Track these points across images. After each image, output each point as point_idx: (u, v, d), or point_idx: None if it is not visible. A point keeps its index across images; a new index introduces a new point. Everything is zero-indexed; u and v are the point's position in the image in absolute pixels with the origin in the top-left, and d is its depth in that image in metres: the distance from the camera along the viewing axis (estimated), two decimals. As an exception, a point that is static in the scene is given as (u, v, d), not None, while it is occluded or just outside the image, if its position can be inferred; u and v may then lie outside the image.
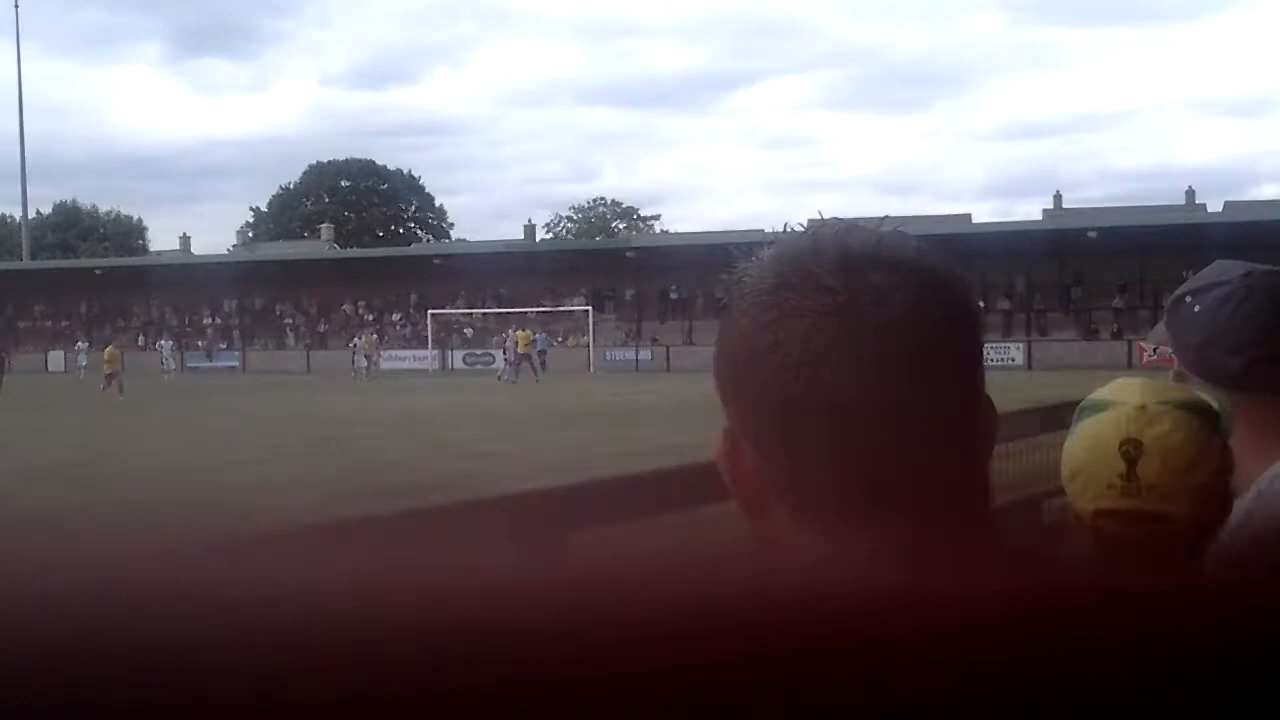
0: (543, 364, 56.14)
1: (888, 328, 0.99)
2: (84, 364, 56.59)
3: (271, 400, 37.21)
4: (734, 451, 1.07)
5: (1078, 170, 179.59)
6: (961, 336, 1.04)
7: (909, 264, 1.02)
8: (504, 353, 53.13)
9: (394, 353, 64.08)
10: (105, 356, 43.90)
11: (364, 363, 55.68)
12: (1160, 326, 2.45)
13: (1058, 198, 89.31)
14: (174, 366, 54.08)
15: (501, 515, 3.36)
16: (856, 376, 0.98)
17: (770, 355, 1.01)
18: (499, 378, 48.93)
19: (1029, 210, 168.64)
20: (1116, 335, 55.44)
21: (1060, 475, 2.06)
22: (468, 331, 65.83)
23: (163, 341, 59.88)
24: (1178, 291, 2.41)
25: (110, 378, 41.73)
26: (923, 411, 1.00)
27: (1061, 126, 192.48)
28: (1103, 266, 57.11)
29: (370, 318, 68.88)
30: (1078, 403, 2.11)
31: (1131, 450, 1.94)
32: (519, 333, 53.95)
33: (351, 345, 59.00)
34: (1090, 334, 56.53)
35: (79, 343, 62.19)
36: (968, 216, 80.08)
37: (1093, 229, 57.44)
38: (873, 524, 1.00)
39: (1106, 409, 1.99)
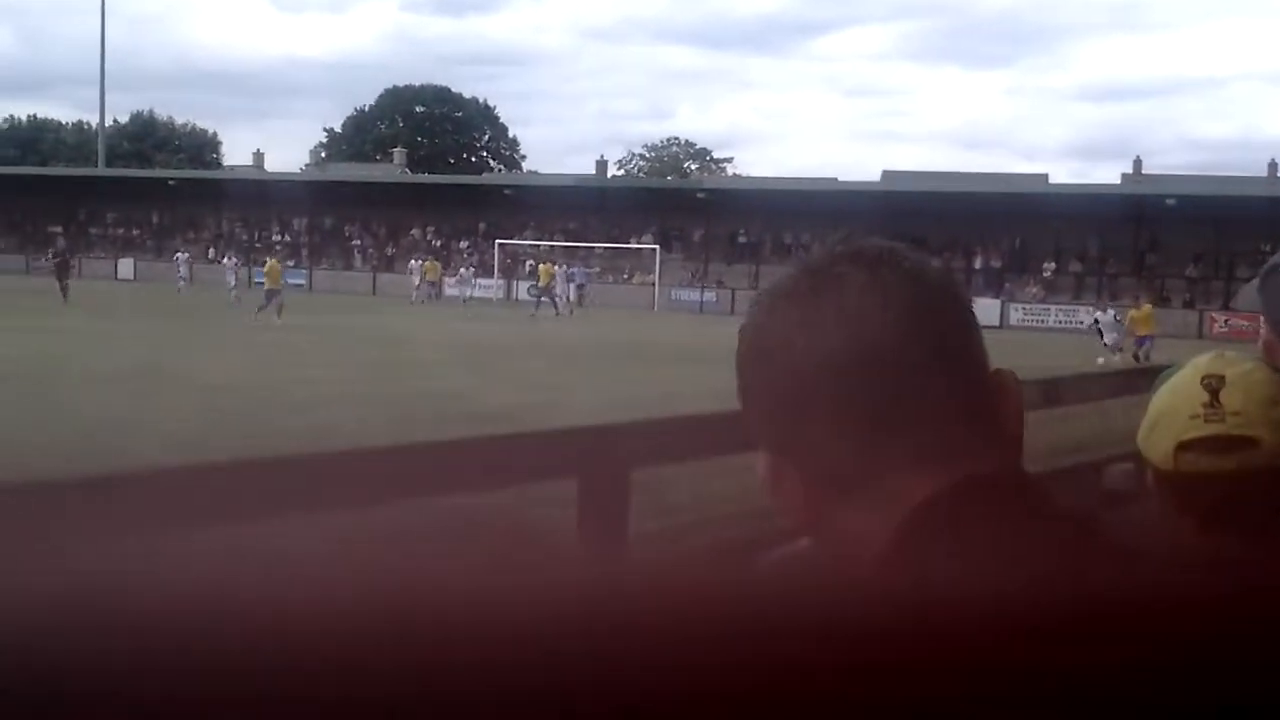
0: (580, 299, 55.95)
1: (880, 298, 1.04)
2: (185, 275, 56.24)
3: (337, 320, 37.37)
4: (776, 474, 1.09)
5: (1160, 136, 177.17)
6: (955, 307, 1.08)
7: (884, 247, 1.09)
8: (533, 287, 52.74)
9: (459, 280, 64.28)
10: (266, 270, 39.22)
11: (428, 289, 55.29)
12: (1251, 290, 2.45)
13: (1137, 162, 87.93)
14: (235, 284, 53.70)
15: (565, 449, 3.29)
16: (849, 347, 1.03)
17: (768, 355, 1.08)
18: (556, 314, 48.42)
19: (1107, 174, 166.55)
20: (1188, 304, 54.74)
21: (1129, 441, 2.08)
22: (528, 264, 65.76)
23: (226, 259, 59.50)
24: (1272, 261, 2.41)
25: (271, 295, 37.12)
26: (922, 374, 1.04)
27: (1146, 90, 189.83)
28: (1179, 234, 56.32)
29: (438, 244, 69.00)
30: (1146, 369, 2.10)
31: (1214, 383, 1.92)
32: (542, 266, 53.34)
33: (410, 267, 58.62)
34: (1162, 302, 55.75)
35: (179, 253, 61.42)
36: (1045, 176, 79.20)
37: (1171, 196, 56.61)
38: (893, 490, 1.03)
39: (1184, 367, 2.00)
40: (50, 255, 51.46)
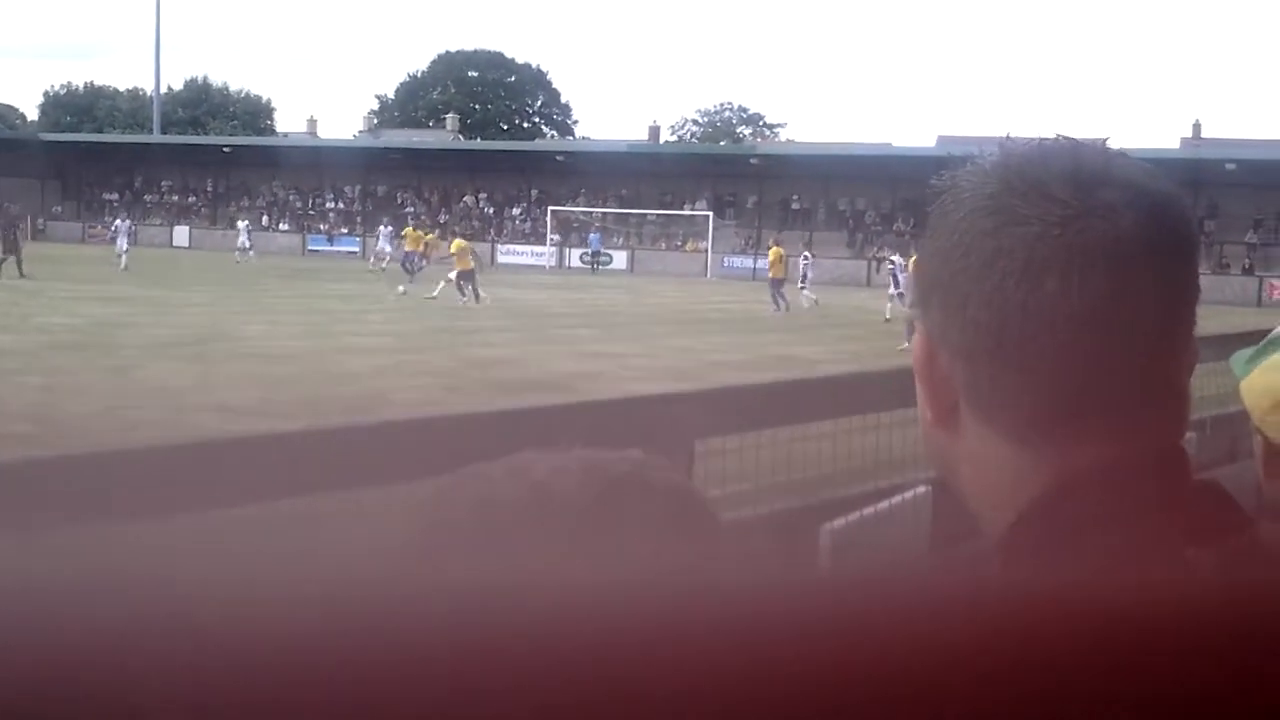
0: (595, 265, 54.87)
1: (1116, 244, 0.97)
2: (248, 245, 52.59)
3: (389, 287, 37.40)
4: (931, 357, 1.05)
5: (1219, 100, 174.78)
6: (1185, 262, 1.02)
7: (1140, 184, 1.00)
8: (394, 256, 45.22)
9: (512, 248, 64.28)
10: (453, 249, 33.18)
11: (388, 249, 47.22)
12: None
13: (1197, 126, 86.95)
14: (249, 245, 52.27)
15: (629, 418, 3.22)
16: (1081, 290, 0.96)
17: (991, 262, 0.99)
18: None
19: (1165, 138, 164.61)
20: (1247, 271, 54.05)
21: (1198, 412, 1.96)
22: (576, 231, 65.65)
23: (241, 222, 57.81)
24: None
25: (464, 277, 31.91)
26: (1142, 334, 0.99)
27: (1207, 53, 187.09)
28: (1238, 200, 55.59)
29: (490, 210, 69.03)
30: (1211, 337, 1.96)
31: None
32: (457, 242, 36.42)
33: (379, 231, 50.75)
34: (1221, 268, 55.10)
35: (240, 221, 58.68)
36: (1103, 140, 78.21)
37: (1231, 160, 55.86)
38: (1072, 446, 1.00)
39: None
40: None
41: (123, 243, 45.47)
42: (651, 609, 0.48)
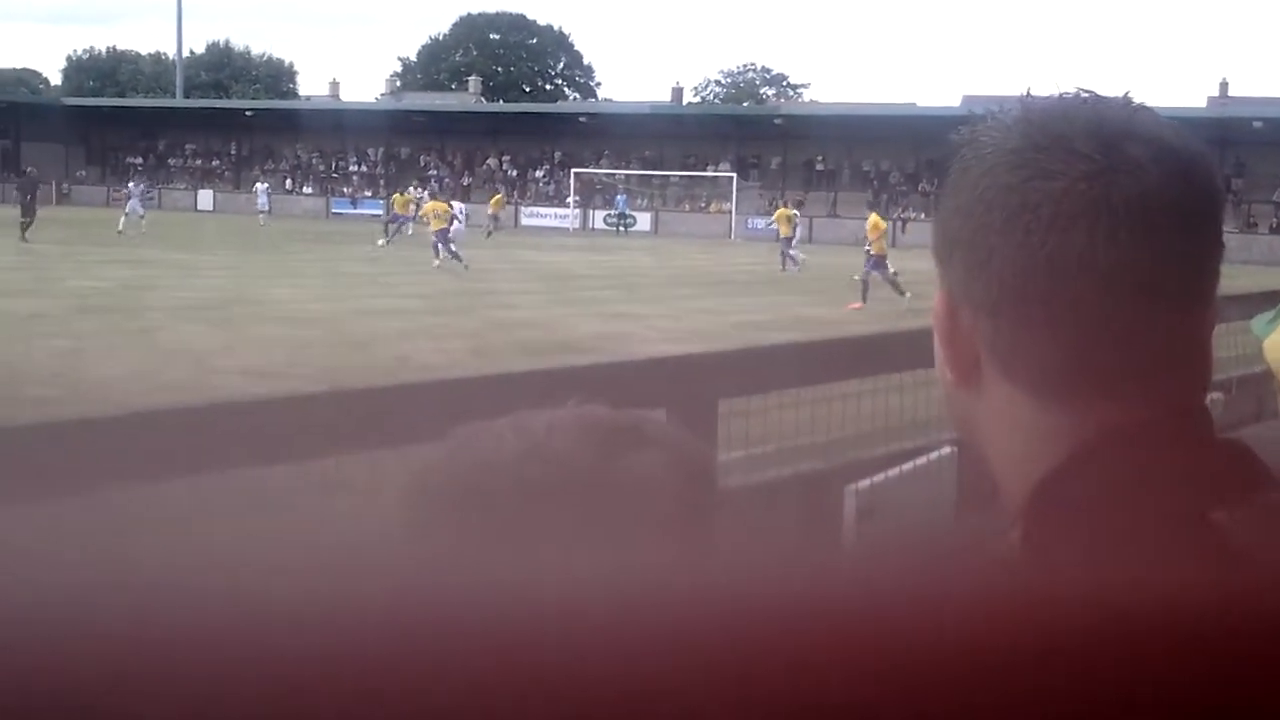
0: (622, 226, 54.75)
1: (1143, 200, 0.96)
2: (267, 207, 53.72)
3: (412, 250, 37.41)
4: (952, 314, 1.04)
5: (1247, 58, 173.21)
6: (1211, 220, 1.01)
7: (1164, 140, 0.99)
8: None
9: (535, 210, 64.23)
10: (424, 211, 34.27)
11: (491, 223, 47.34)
12: None
13: (1224, 85, 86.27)
14: (267, 208, 52.75)
15: (654, 378, 3.22)
16: (1108, 246, 0.96)
17: (1016, 216, 0.98)
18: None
19: (1193, 96, 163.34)
20: (1275, 230, 53.71)
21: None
22: (599, 193, 65.51)
23: (259, 184, 58.18)
24: None
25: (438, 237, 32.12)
26: (1167, 292, 0.99)
27: (1235, 11, 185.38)
28: (1266, 158, 55.16)
29: (513, 173, 68.94)
30: (1237, 296, 1.95)
31: None
32: (432, 204, 35.91)
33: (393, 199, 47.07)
34: (1248, 226, 54.73)
35: (259, 183, 59.22)
36: (1128, 98, 77.65)
37: (1259, 119, 55.39)
38: (1094, 404, 0.99)
39: None
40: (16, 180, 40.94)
41: (136, 205, 44.95)
42: (642, 568, 0.49)
